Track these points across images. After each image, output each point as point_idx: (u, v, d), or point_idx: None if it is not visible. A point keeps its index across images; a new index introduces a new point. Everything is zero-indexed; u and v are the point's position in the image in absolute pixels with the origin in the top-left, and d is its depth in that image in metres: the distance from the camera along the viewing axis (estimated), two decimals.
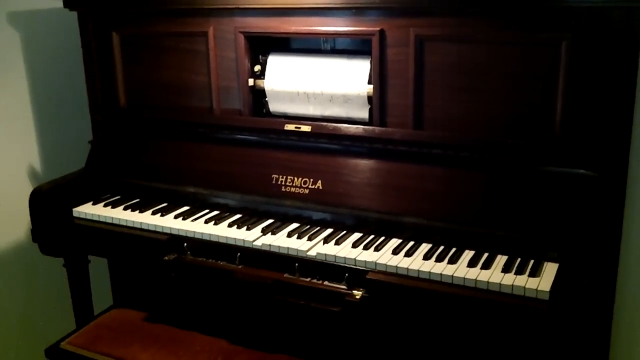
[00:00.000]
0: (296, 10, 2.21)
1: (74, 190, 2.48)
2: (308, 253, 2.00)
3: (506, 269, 1.82)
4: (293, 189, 2.19)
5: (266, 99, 2.38)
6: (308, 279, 1.98)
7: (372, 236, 2.07)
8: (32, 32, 2.73)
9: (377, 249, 1.98)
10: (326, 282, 1.95)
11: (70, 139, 2.88)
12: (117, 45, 2.56)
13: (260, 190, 2.25)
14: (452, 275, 1.82)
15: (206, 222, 2.24)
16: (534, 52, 1.93)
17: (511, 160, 1.97)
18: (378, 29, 2.09)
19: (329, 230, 2.13)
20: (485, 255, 1.91)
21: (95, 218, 2.37)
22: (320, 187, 2.16)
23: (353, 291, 1.90)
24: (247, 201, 2.29)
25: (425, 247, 1.99)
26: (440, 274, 1.83)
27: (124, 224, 2.31)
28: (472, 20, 1.98)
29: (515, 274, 1.80)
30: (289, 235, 2.10)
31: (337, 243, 2.03)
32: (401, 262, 1.90)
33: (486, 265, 1.85)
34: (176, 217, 2.29)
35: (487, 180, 1.98)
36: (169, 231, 2.22)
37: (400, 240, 2.04)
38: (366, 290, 1.89)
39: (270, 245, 2.05)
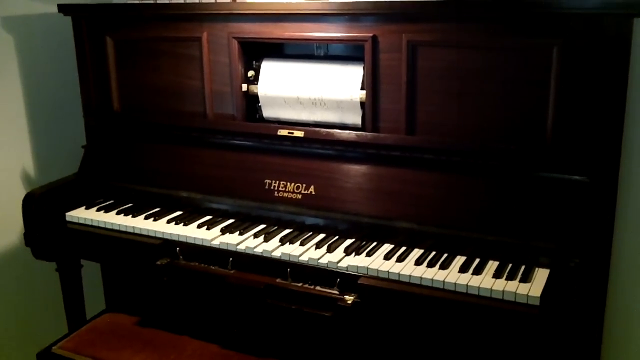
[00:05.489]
0: (289, 16, 2.21)
1: (67, 195, 2.48)
2: (300, 258, 2.00)
3: (497, 275, 1.83)
4: (286, 194, 2.20)
5: (259, 104, 2.38)
6: (300, 284, 1.98)
7: (364, 241, 2.07)
8: (26, 37, 2.73)
9: (369, 254, 1.99)
10: (318, 287, 1.95)
11: (63, 143, 2.88)
12: (111, 49, 2.57)
13: (253, 195, 2.25)
14: (443, 281, 1.82)
15: (199, 226, 2.24)
16: (525, 57, 1.94)
17: (503, 165, 1.98)
18: (371, 34, 2.09)
19: (322, 236, 2.13)
20: (477, 260, 1.92)
21: (88, 222, 2.37)
22: (313, 192, 2.16)
23: (345, 296, 1.90)
24: (240, 206, 2.29)
25: (417, 253, 1.99)
26: (432, 280, 1.84)
27: (117, 228, 2.31)
28: (464, 26, 1.99)
29: (507, 279, 1.81)
30: (282, 240, 2.10)
31: (329, 248, 2.03)
32: (393, 267, 1.91)
33: (477, 271, 1.86)
34: (169, 221, 2.29)
35: (479, 185, 1.99)
36: (161, 236, 2.22)
37: (392, 246, 2.04)
38: (358, 295, 1.90)
39: (262, 250, 2.06)
